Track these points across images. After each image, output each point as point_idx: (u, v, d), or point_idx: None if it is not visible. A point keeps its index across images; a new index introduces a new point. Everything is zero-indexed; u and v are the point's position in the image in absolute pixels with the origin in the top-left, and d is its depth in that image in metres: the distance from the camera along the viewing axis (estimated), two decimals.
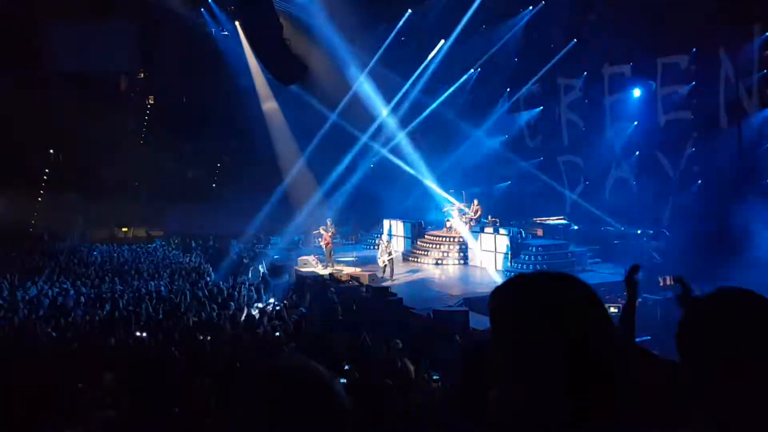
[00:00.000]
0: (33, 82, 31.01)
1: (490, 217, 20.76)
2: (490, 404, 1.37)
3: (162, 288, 15.73)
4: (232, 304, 13.46)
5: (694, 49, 18.09)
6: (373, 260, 20.30)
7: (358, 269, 18.99)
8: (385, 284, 16.93)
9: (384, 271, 18.10)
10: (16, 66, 31.06)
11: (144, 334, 10.84)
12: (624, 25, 18.84)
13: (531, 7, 21.91)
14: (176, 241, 24.88)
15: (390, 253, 18.26)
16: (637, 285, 3.00)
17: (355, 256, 21.35)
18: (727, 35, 17.01)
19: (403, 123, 24.04)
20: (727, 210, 15.60)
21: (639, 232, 18.58)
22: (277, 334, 10.74)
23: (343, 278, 17.71)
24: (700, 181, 18.03)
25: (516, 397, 1.23)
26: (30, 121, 31.33)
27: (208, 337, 10.40)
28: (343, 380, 7.67)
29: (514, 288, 1.30)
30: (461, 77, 24.02)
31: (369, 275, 17.72)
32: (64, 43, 30.57)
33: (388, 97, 23.77)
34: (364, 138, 24.16)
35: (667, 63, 19.30)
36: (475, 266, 19.71)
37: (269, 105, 27.23)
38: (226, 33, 26.26)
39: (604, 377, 1.20)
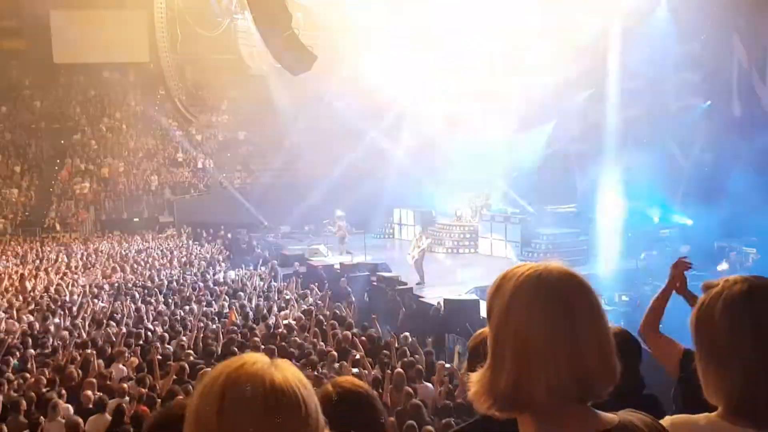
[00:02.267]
0: (45, 71, 31.18)
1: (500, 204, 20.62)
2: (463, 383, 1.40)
3: (172, 278, 15.76)
4: (241, 294, 13.48)
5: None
6: (381, 249, 20.29)
7: (367, 258, 18.94)
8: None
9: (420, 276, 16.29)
10: (28, 56, 31.28)
11: (155, 325, 10.88)
12: None
13: None
14: (187, 230, 24.93)
15: (420, 248, 16.31)
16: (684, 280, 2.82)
17: (365, 245, 21.29)
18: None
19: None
20: None
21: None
22: (287, 322, 10.75)
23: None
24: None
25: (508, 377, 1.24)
26: (41, 111, 31.55)
27: (215, 326, 10.46)
28: (355, 370, 7.68)
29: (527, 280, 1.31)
30: None
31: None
32: (75, 34, 30.71)
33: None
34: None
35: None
36: (486, 255, 19.63)
37: (278, 93, 27.19)
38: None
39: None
